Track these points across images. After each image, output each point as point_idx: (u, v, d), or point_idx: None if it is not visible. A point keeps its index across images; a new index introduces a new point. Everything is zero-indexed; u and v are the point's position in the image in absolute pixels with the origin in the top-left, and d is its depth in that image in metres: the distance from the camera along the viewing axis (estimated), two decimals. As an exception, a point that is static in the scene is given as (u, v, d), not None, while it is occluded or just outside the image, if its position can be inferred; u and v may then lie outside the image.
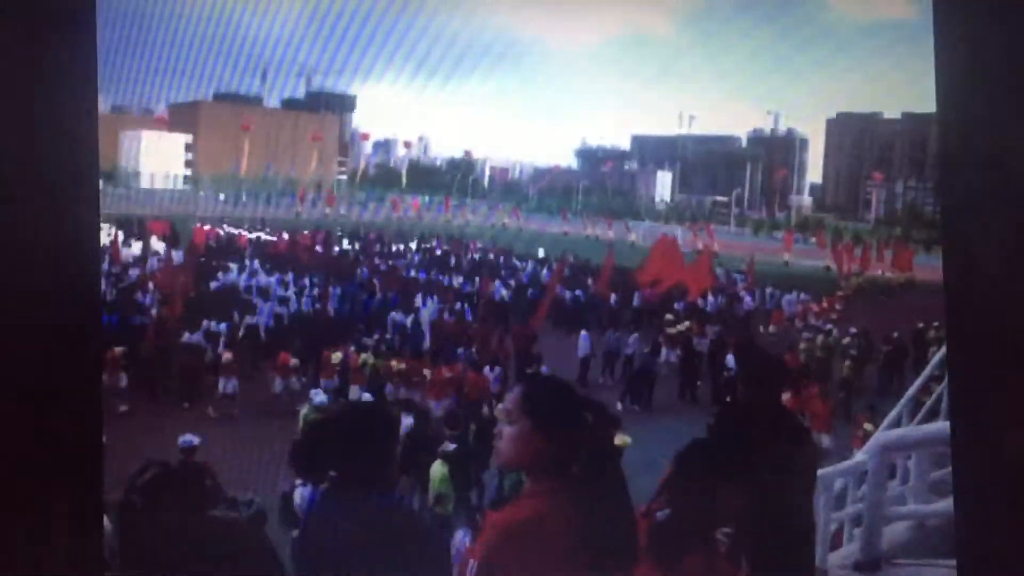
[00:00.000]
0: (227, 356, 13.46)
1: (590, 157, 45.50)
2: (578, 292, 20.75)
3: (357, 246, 26.44)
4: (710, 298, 20.84)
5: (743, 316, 20.35)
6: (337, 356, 13.93)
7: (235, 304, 16.54)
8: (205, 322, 14.74)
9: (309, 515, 3.27)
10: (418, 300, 17.53)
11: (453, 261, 24.64)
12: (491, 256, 26.00)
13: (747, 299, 21.51)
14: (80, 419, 3.44)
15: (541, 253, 26.66)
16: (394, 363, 13.75)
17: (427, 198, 36.97)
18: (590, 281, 21.90)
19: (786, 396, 12.05)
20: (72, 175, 3.42)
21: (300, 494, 8.05)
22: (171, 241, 22.65)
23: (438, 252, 26.28)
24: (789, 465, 3.95)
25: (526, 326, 16.41)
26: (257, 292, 18.06)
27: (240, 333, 15.30)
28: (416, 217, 34.19)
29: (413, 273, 21.77)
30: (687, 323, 17.40)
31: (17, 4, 3.37)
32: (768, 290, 22.19)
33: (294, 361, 13.77)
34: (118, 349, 13.02)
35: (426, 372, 13.52)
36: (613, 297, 20.28)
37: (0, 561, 3.39)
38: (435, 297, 18.02)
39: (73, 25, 3.38)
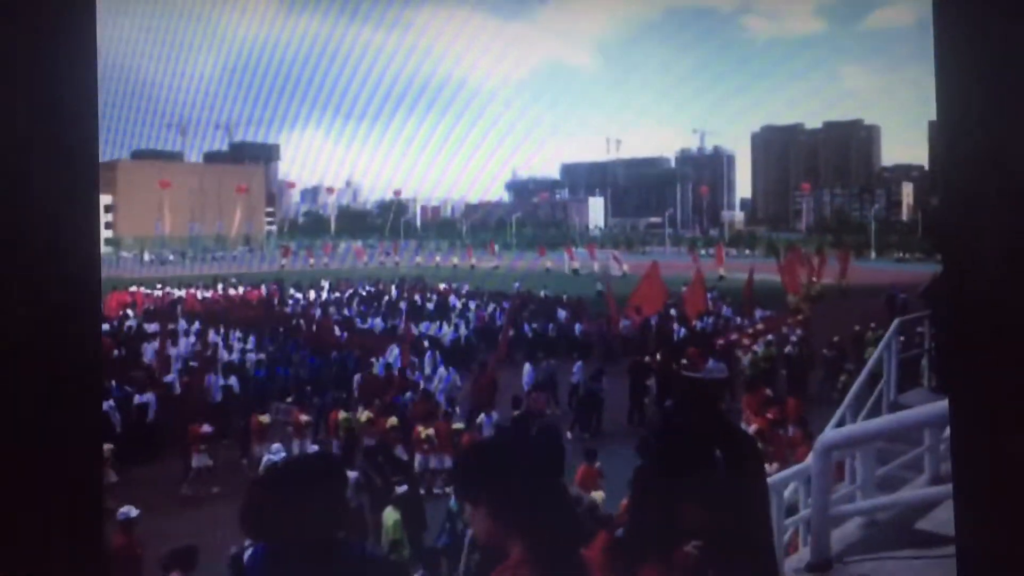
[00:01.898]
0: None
1: (521, 189, 45.70)
2: (533, 325, 20.54)
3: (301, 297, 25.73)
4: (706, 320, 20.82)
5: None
6: (265, 418, 13.36)
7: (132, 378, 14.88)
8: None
9: (252, 572, 3.29)
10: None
11: (405, 306, 23.95)
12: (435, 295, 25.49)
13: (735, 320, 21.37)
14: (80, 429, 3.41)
15: (517, 286, 26.23)
16: (364, 416, 13.25)
17: (359, 242, 36.73)
18: (563, 314, 21.79)
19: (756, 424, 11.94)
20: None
21: (251, 555, 7.72)
22: None
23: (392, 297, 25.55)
24: (739, 476, 3.84)
25: (484, 369, 16.01)
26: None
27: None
28: (359, 263, 33.92)
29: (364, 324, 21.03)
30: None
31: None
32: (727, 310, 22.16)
33: (206, 428, 12.90)
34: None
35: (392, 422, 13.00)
36: (578, 327, 20.22)
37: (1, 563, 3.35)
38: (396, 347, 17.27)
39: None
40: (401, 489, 10.23)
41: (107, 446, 11.80)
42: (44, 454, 3.38)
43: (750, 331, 19.55)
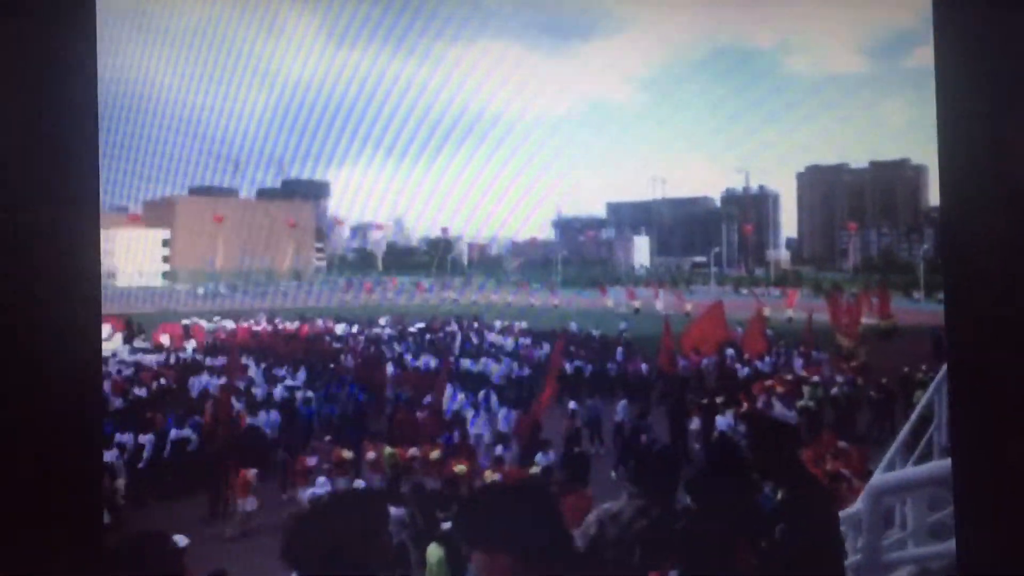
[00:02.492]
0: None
1: (567, 227, 45.86)
2: (576, 363, 20.48)
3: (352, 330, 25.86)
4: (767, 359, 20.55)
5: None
6: (347, 454, 13.39)
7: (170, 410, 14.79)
8: (119, 435, 13.08)
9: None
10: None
11: (457, 344, 23.86)
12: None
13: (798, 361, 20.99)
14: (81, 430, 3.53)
15: (573, 326, 26.09)
16: (434, 455, 13.23)
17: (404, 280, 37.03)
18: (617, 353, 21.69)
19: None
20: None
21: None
22: (128, 339, 22.08)
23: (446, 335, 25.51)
24: (802, 520, 3.83)
25: (527, 413, 15.93)
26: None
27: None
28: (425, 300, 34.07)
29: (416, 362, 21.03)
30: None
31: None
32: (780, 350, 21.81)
33: (311, 461, 12.97)
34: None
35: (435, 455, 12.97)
36: (644, 366, 20.05)
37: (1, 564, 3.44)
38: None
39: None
40: (446, 526, 10.26)
41: (252, 471, 12.05)
42: (45, 457, 3.47)
43: (788, 376, 19.25)
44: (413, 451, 13.40)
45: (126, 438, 13.40)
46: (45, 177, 3.47)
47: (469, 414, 15.85)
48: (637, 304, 33.16)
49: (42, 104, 3.49)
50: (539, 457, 13.21)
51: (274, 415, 15.31)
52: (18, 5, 3.49)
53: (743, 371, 19.75)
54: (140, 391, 16.81)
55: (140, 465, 13.30)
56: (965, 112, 3.63)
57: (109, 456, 12.50)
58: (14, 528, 3.47)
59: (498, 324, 27.16)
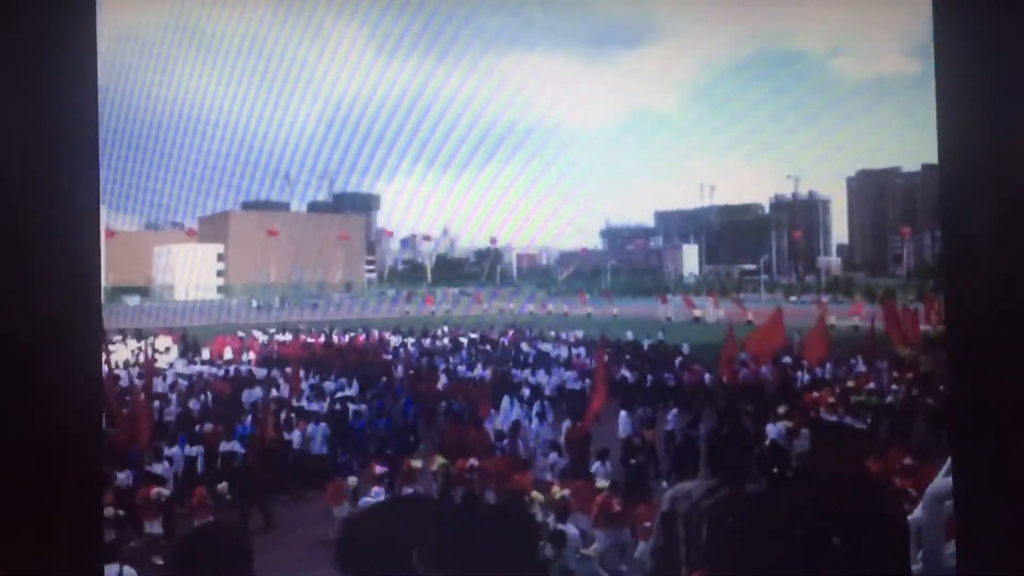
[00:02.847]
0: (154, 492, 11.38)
1: (615, 237, 45.76)
2: (625, 373, 20.34)
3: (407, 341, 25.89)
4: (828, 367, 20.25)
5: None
6: (416, 463, 13.45)
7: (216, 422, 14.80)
8: (167, 449, 13.22)
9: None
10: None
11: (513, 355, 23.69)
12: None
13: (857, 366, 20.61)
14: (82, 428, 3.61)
15: (629, 335, 25.92)
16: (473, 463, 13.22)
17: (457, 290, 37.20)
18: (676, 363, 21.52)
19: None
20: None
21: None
22: (184, 352, 22.42)
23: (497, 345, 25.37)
24: (868, 532, 3.80)
25: (576, 426, 15.76)
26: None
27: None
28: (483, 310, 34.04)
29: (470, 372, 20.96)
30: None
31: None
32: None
33: (381, 468, 13.00)
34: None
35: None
36: (708, 377, 19.80)
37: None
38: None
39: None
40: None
41: (351, 479, 12.24)
42: (45, 456, 3.49)
43: (837, 389, 18.85)
44: (472, 462, 13.37)
45: (174, 451, 13.57)
46: (45, 177, 3.57)
47: (526, 424, 15.80)
48: (698, 313, 33.00)
49: (42, 104, 3.59)
50: (596, 467, 13.11)
51: (312, 429, 15.26)
52: (18, 5, 3.60)
53: (804, 378, 19.46)
54: (194, 403, 17.01)
55: (197, 476, 13.47)
56: (965, 112, 3.66)
57: (160, 469, 12.67)
58: (14, 528, 3.56)
59: (552, 334, 27.02)
